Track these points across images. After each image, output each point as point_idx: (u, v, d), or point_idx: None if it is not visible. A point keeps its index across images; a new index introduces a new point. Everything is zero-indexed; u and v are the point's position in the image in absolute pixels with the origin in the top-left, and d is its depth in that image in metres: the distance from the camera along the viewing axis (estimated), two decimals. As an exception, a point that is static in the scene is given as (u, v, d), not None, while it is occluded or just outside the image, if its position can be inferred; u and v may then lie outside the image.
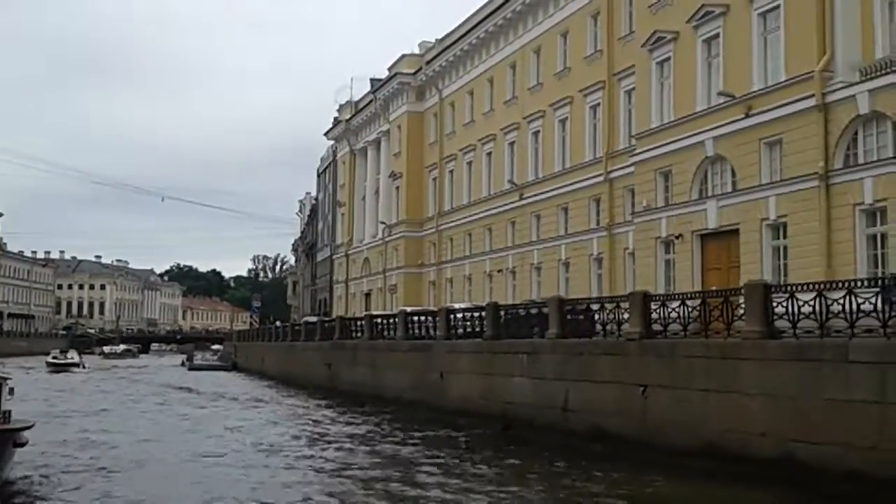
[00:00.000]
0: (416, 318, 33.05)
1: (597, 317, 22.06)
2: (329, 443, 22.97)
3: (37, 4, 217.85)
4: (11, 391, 15.91)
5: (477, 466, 18.46)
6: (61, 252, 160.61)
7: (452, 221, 53.58)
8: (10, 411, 15.01)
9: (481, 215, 49.42)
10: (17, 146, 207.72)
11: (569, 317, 22.62)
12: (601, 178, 37.68)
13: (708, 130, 28.58)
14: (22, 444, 15.11)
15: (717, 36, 28.74)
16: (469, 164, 52.03)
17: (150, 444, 22.51)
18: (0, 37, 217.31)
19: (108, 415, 30.80)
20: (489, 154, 49.40)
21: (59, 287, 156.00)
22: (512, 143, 46.68)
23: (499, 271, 46.71)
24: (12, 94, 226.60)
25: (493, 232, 48.07)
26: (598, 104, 38.62)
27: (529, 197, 43.90)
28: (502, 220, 46.82)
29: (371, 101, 66.33)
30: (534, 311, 25.19)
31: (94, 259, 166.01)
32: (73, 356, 68.34)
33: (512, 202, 45.68)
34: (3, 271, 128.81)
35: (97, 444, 22.02)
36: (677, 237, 29.59)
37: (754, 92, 26.78)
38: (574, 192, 39.90)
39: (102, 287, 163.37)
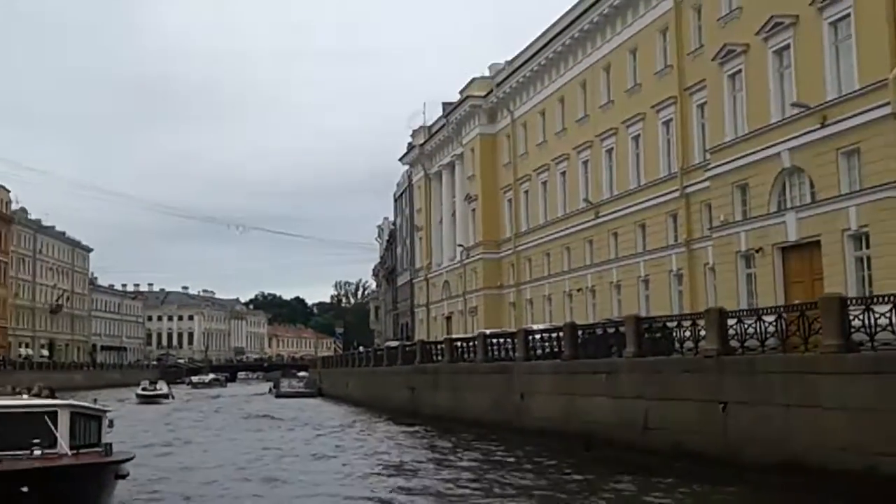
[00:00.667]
0: (495, 341, 33.29)
1: (674, 334, 22.01)
2: (438, 468, 23.07)
3: (121, 43, 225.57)
4: (111, 424, 16.25)
5: (564, 486, 18.60)
6: (150, 285, 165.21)
7: (530, 242, 53.73)
8: (110, 444, 15.21)
9: (558, 235, 49.48)
10: (104, 183, 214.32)
11: (646, 335, 22.62)
12: (677, 194, 37.48)
13: (783, 142, 28.28)
14: (123, 476, 15.33)
15: (787, 47, 28.47)
16: (543, 183, 52.19)
17: (247, 471, 22.93)
18: (88, 76, 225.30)
19: (202, 445, 31.31)
20: (563, 173, 49.50)
21: (149, 319, 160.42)
22: (585, 162, 46.72)
23: (578, 290, 46.68)
24: (99, 132, 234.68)
25: (570, 251, 48.08)
26: (671, 119, 38.49)
27: (606, 215, 43.85)
28: (579, 238, 46.83)
29: (443, 125, 67.04)
30: (611, 330, 25.23)
31: (181, 290, 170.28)
32: (161, 387, 69.70)
33: (588, 220, 45.68)
34: (96, 305, 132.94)
35: (194, 474, 22.45)
36: (757, 251, 29.27)
37: (828, 101, 26.45)
38: (650, 209, 39.76)
39: (190, 318, 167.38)
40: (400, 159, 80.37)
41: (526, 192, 54.87)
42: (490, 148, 59.35)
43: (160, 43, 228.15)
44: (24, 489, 11.24)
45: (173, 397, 66.84)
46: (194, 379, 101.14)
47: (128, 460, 15.47)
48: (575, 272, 47.13)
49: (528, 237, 53.98)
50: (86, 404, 16.01)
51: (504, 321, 53.77)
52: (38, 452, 13.02)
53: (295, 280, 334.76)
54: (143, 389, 68.08)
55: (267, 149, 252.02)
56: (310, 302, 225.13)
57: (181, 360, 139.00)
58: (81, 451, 14.20)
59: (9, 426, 13.53)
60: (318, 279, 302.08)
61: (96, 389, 77.36)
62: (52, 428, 13.85)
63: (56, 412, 14.23)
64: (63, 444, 13.80)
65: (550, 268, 50.62)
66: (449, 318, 66.38)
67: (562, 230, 49.00)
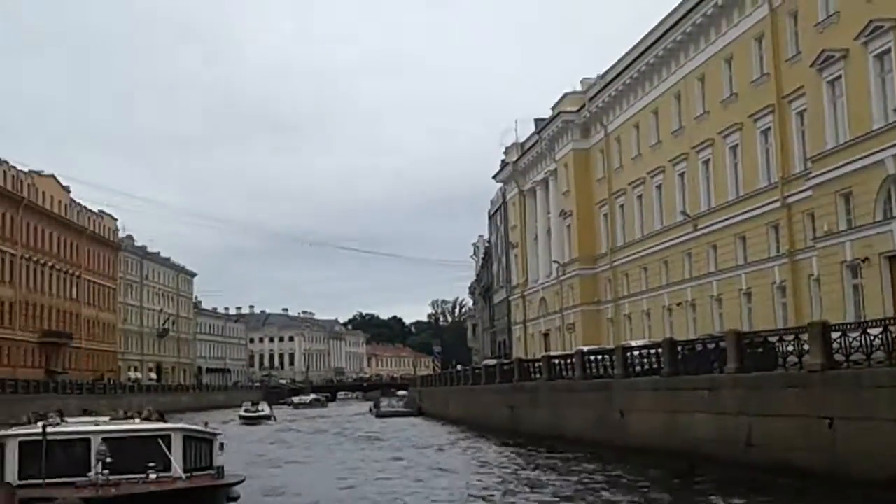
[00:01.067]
0: (593, 357, 33.02)
1: (777, 349, 21.51)
2: (546, 487, 22.92)
3: (219, 68, 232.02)
4: (221, 447, 16.38)
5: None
6: (251, 307, 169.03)
7: (626, 256, 53.17)
8: (222, 466, 15.40)
9: (656, 249, 48.86)
10: (203, 208, 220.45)
11: (747, 350, 22.15)
12: (778, 204, 36.62)
13: (887, 148, 27.43)
14: (235, 499, 15.53)
15: (888, 51, 27.65)
16: (639, 197, 51.63)
17: (354, 491, 22.99)
18: (180, 100, 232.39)
19: (309, 465, 31.43)
20: (659, 186, 48.91)
21: (251, 340, 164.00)
22: (682, 174, 46.07)
23: (678, 305, 45.96)
24: (197, 157, 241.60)
25: (668, 265, 47.41)
26: (769, 128, 37.68)
27: (704, 227, 43.12)
28: (678, 252, 46.13)
29: (536, 141, 66.99)
30: (711, 345, 24.78)
31: (281, 312, 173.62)
32: (264, 408, 70.64)
33: (686, 233, 44.99)
34: (201, 328, 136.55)
35: (303, 495, 22.51)
36: (863, 261, 28.38)
37: (934, 104, 25.58)
38: (750, 220, 38.93)
39: (291, 339, 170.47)
40: (494, 177, 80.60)
41: (621, 206, 54.37)
42: (584, 163, 59.04)
43: (258, 65, 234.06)
44: None
45: (275, 418, 67.42)
46: (295, 399, 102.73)
47: (239, 483, 15.60)
48: (674, 286, 46.42)
49: (625, 252, 53.42)
50: (198, 427, 16.28)
51: (602, 337, 53.29)
52: (153, 476, 13.31)
53: (392, 299, 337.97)
54: (246, 411, 69.24)
55: (364, 169, 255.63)
56: (407, 321, 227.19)
57: (283, 381, 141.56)
58: (195, 473, 14.43)
59: (125, 450, 13.78)
60: (415, 298, 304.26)
61: (202, 411, 79.34)
62: (167, 451, 14.11)
63: (170, 436, 14.52)
64: (177, 468, 14.04)
65: (648, 282, 49.98)
66: (546, 335, 66.07)
67: (659, 244, 48.36)
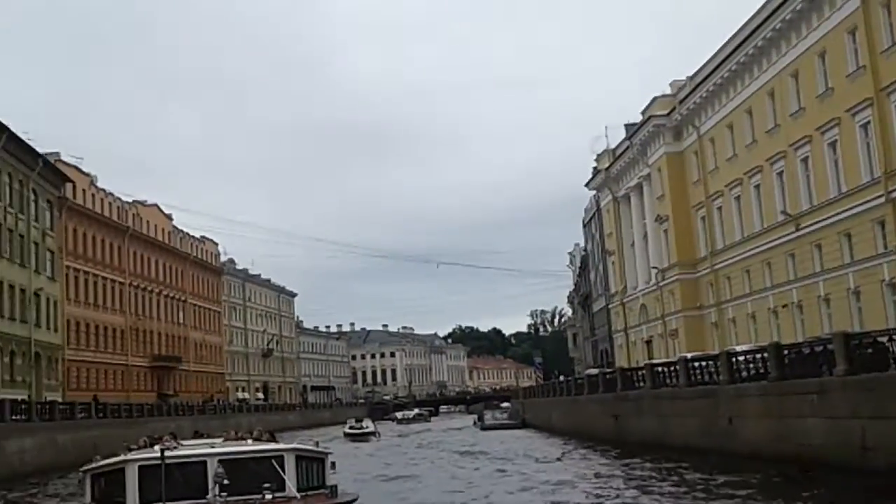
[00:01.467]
0: (696, 364, 32.55)
1: (889, 349, 20.87)
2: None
3: (311, 91, 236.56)
4: (333, 465, 16.38)
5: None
6: (351, 324, 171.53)
7: (727, 259, 52.19)
8: (335, 485, 15.40)
9: (757, 250, 47.83)
10: (299, 229, 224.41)
11: (857, 352, 21.55)
12: (882, 199, 35.50)
13: None
14: None
15: None
16: (737, 198, 50.66)
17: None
18: (271, 124, 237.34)
19: (420, 481, 31.02)
20: (757, 187, 47.91)
21: (353, 357, 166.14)
22: (780, 173, 45.04)
23: (783, 307, 44.88)
24: (291, 180, 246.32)
25: (772, 266, 46.35)
26: (868, 122, 36.57)
27: (806, 226, 42.05)
28: (780, 252, 45.08)
29: (628, 147, 66.34)
30: (818, 348, 24.17)
31: (381, 328, 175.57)
32: (367, 425, 70.98)
33: (788, 233, 43.93)
34: (304, 347, 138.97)
35: None
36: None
37: None
38: (854, 217, 37.81)
39: (392, 354, 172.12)
40: (586, 185, 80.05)
41: (719, 208, 53.42)
42: (678, 166, 58.25)
43: (348, 87, 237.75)
44: None
45: (379, 435, 67.58)
46: (398, 415, 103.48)
47: (353, 501, 15.66)
48: (778, 288, 45.36)
49: (725, 254, 52.44)
50: (309, 447, 16.36)
51: (706, 343, 52.35)
52: (269, 496, 13.46)
53: (491, 312, 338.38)
54: (351, 428, 69.82)
55: (457, 184, 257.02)
56: (507, 332, 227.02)
57: (387, 397, 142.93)
58: (309, 493, 14.58)
59: (240, 471, 14.03)
60: (513, 310, 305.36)
61: (309, 428, 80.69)
62: (281, 472, 14.28)
63: (283, 456, 14.70)
64: (291, 487, 14.17)
65: (751, 285, 48.94)
66: (649, 342, 65.26)
67: (761, 245, 47.34)
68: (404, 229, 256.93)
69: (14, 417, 40.30)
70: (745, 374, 27.89)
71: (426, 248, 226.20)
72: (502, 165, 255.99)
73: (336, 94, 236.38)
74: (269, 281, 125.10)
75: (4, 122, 54.77)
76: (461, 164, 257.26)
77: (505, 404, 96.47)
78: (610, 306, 76.33)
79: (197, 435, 19.51)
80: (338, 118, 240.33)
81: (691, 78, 55.47)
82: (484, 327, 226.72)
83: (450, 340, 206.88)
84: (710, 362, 31.35)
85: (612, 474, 29.57)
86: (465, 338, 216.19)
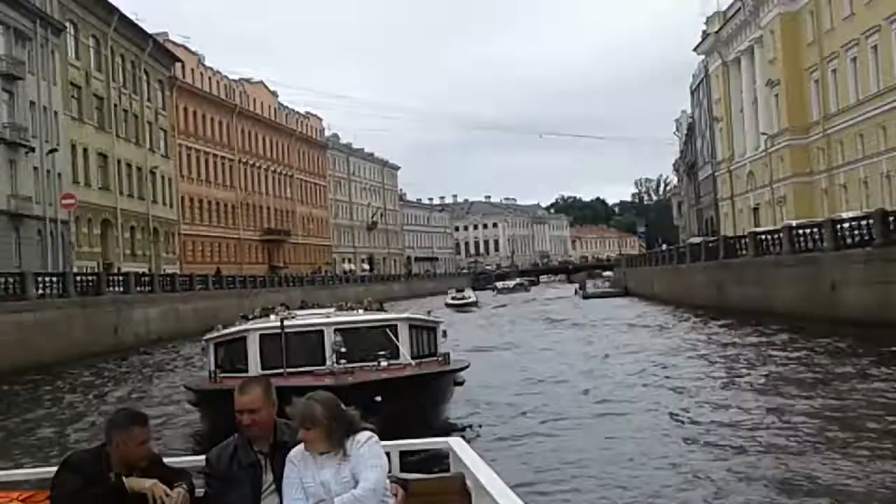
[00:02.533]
0: (801, 232, 32.02)
1: None
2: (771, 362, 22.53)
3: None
4: (444, 334, 16.57)
5: None
6: (454, 196, 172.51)
7: (840, 124, 50.34)
8: (448, 353, 15.65)
9: (872, 113, 45.98)
10: (404, 100, 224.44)
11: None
12: None
13: None
14: (461, 383, 15.81)
15: None
16: (853, 60, 48.45)
17: (583, 375, 22.51)
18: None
19: (527, 350, 30.71)
20: (874, 47, 45.67)
21: (456, 229, 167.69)
22: (899, 31, 42.84)
23: (896, 171, 43.41)
24: (393, 50, 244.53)
25: (886, 130, 44.58)
26: None
27: (925, 87, 40.19)
28: None
29: (739, 8, 63.61)
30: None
31: (484, 200, 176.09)
32: (469, 295, 71.66)
33: (905, 95, 42.08)
34: (407, 219, 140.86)
35: (528, 381, 22.11)
36: None
37: None
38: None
39: (495, 225, 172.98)
40: (694, 49, 77.46)
41: (834, 70, 51.24)
42: (792, 27, 55.75)
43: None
44: (378, 399, 11.68)
45: (479, 305, 67.84)
46: (499, 285, 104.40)
47: (464, 368, 15.91)
48: (892, 152, 43.72)
49: (838, 119, 50.57)
50: (421, 316, 16.71)
51: (815, 210, 51.16)
52: (384, 364, 13.83)
53: (594, 181, 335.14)
54: (453, 298, 70.79)
55: (562, 52, 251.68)
56: (610, 202, 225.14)
57: (489, 267, 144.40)
58: (422, 360, 14.94)
59: (357, 340, 14.52)
60: (617, 178, 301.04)
61: (413, 298, 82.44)
62: (395, 340, 14.67)
63: (396, 325, 15.11)
64: (406, 355, 14.54)
65: (865, 150, 47.27)
66: (756, 210, 64.05)
67: (876, 108, 45.47)
68: (507, 100, 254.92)
69: (139, 289, 42.75)
70: (849, 241, 27.39)
71: (529, 119, 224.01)
72: (609, 32, 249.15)
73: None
74: (372, 155, 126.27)
75: (115, 3, 55.91)
76: (570, 30, 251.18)
77: (607, 273, 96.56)
78: (716, 174, 74.83)
79: (304, 305, 20.15)
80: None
81: (806, -69, 52.49)
82: (587, 197, 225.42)
83: (552, 210, 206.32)
84: (815, 230, 30.82)
85: (719, 341, 29.22)
86: (568, 208, 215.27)
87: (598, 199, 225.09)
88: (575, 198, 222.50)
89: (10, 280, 32.17)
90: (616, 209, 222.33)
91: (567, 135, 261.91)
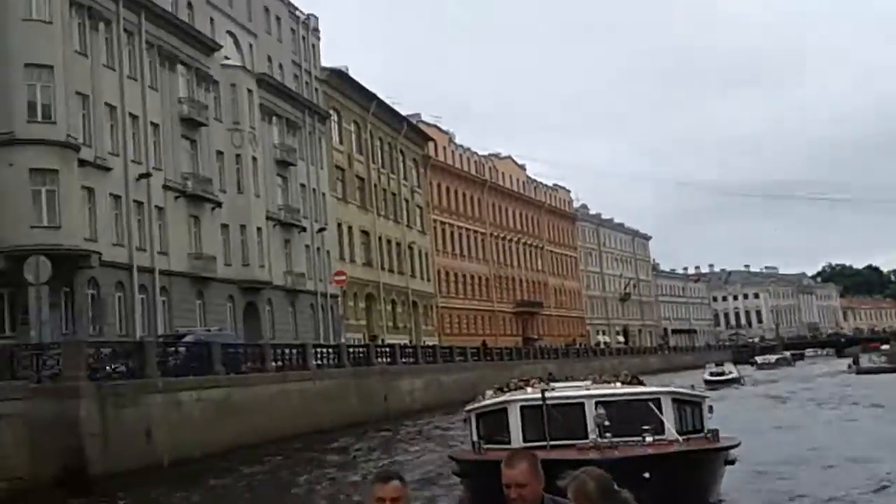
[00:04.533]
0: None
1: None
2: None
3: (650, 28, 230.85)
4: (710, 409, 15.80)
5: None
6: (710, 265, 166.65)
7: None
8: (716, 430, 14.85)
9: None
10: (651, 171, 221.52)
11: None
12: None
13: None
14: (732, 462, 15.05)
15: None
16: None
17: (870, 466, 19.86)
18: (627, 65, 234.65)
19: (805, 432, 27.92)
20: None
21: (714, 300, 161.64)
22: None
23: None
24: (640, 121, 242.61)
25: None
26: None
27: None
28: None
29: None
30: None
31: (742, 269, 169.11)
32: (730, 370, 66.70)
33: None
34: (661, 290, 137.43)
35: (806, 466, 20.52)
36: None
37: None
38: None
39: (756, 295, 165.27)
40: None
41: None
42: None
43: (691, 14, 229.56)
44: (646, 475, 11.33)
45: (743, 382, 62.85)
46: (759, 359, 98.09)
47: (735, 446, 15.17)
48: None
49: None
50: (685, 391, 16.04)
51: None
52: (649, 439, 13.33)
53: (864, 247, 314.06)
54: (711, 374, 65.31)
55: (807, 113, 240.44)
56: (885, 269, 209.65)
57: (752, 339, 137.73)
58: (689, 437, 14.26)
59: (619, 413, 13.94)
60: (889, 244, 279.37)
61: (670, 372, 79.44)
62: (659, 414, 14.08)
63: (659, 399, 14.51)
64: (671, 430, 13.94)
65: None
66: None
67: None
68: (761, 164, 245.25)
69: (403, 360, 44.27)
70: None
71: (786, 182, 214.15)
72: (862, 96, 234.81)
73: (689, 24, 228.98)
74: (622, 225, 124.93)
75: (373, 90, 59.24)
76: (818, 94, 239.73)
77: (884, 346, 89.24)
78: None
79: (550, 377, 19.71)
80: (690, 50, 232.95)
81: None
82: (858, 264, 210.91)
83: (819, 279, 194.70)
84: None
85: None
86: (837, 276, 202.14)
87: (870, 266, 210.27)
88: (844, 266, 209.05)
89: (294, 351, 34.55)
90: (892, 276, 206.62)
91: (825, 198, 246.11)
